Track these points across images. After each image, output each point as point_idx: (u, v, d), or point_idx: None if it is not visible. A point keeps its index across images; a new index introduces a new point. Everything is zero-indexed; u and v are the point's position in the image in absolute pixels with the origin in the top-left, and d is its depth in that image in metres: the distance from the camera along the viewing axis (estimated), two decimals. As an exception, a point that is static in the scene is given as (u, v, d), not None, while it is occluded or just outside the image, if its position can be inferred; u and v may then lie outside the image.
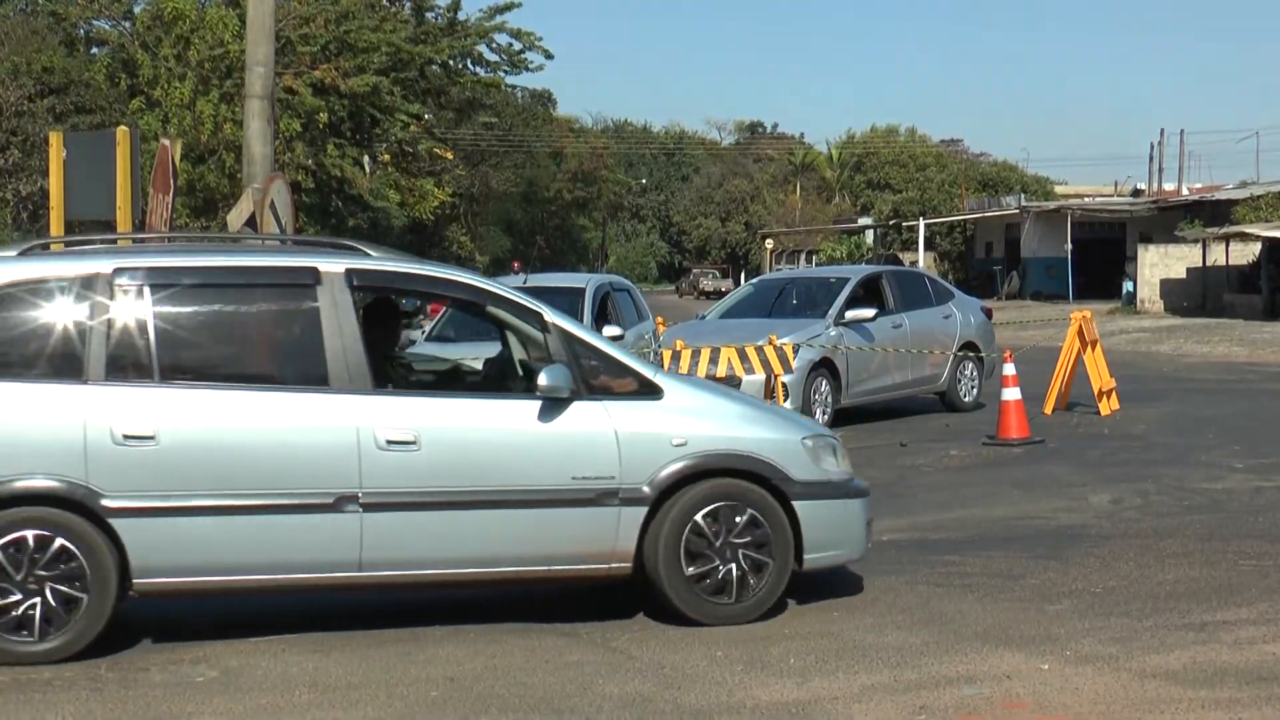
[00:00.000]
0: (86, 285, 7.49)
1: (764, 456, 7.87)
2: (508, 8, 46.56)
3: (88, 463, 7.20)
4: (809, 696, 6.39)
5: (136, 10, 42.50)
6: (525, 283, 18.16)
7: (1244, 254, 43.69)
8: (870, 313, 17.87)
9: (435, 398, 7.90)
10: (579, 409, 7.69)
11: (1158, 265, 45.92)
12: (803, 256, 74.93)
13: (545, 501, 7.62)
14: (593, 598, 8.51)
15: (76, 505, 7.20)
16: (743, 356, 14.51)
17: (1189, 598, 8.09)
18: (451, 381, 8.79)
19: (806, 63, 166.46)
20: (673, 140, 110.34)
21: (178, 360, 7.54)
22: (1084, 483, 12.42)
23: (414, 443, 7.49)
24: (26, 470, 7.16)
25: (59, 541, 7.16)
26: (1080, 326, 18.33)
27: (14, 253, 7.81)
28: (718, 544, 7.74)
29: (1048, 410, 17.79)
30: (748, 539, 7.78)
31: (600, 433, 7.69)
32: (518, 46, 47.60)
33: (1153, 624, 7.52)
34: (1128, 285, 47.17)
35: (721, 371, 14.69)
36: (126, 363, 7.42)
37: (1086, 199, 60.29)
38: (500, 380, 8.64)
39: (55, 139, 14.70)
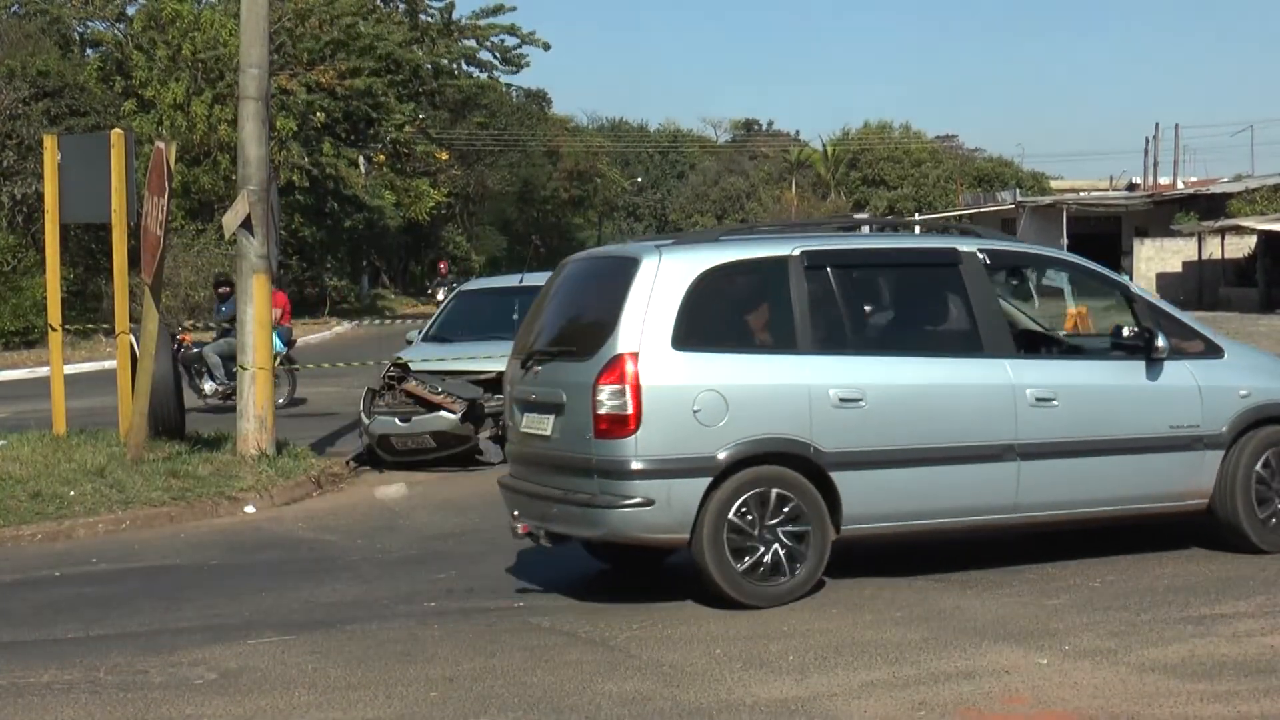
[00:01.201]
0: (779, 266, 8.37)
1: None
2: (499, 9, 46.55)
3: (811, 423, 8.06)
4: (808, 693, 6.38)
5: (130, 11, 42.44)
6: (521, 281, 18.18)
7: (1240, 247, 43.72)
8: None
9: (1064, 360, 9.33)
10: (1170, 367, 8.88)
11: (1154, 259, 45.93)
12: (799, 253, 74.81)
13: (1150, 448, 8.80)
14: (591, 595, 8.52)
15: (802, 461, 8.07)
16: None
17: (1187, 591, 8.09)
18: (1042, 345, 9.66)
19: (800, 60, 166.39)
20: (668, 138, 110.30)
21: (863, 331, 8.67)
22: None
23: (1054, 400, 8.57)
24: (766, 432, 8.04)
25: (787, 494, 8.02)
26: (1076, 321, 18.35)
27: (715, 237, 8.94)
28: (1275, 482, 8.97)
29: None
30: None
31: (1187, 387, 8.89)
32: (512, 43, 47.61)
33: (1151, 617, 7.53)
34: (1124, 279, 47.16)
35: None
36: (826, 334, 8.36)
37: (1082, 193, 60.20)
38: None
39: (50, 142, 14.68)
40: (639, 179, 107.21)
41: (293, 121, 40.13)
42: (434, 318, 17.36)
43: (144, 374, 13.07)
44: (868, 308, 8.80)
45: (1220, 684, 6.32)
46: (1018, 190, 60.39)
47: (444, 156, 58.21)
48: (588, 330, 8.37)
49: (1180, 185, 62.20)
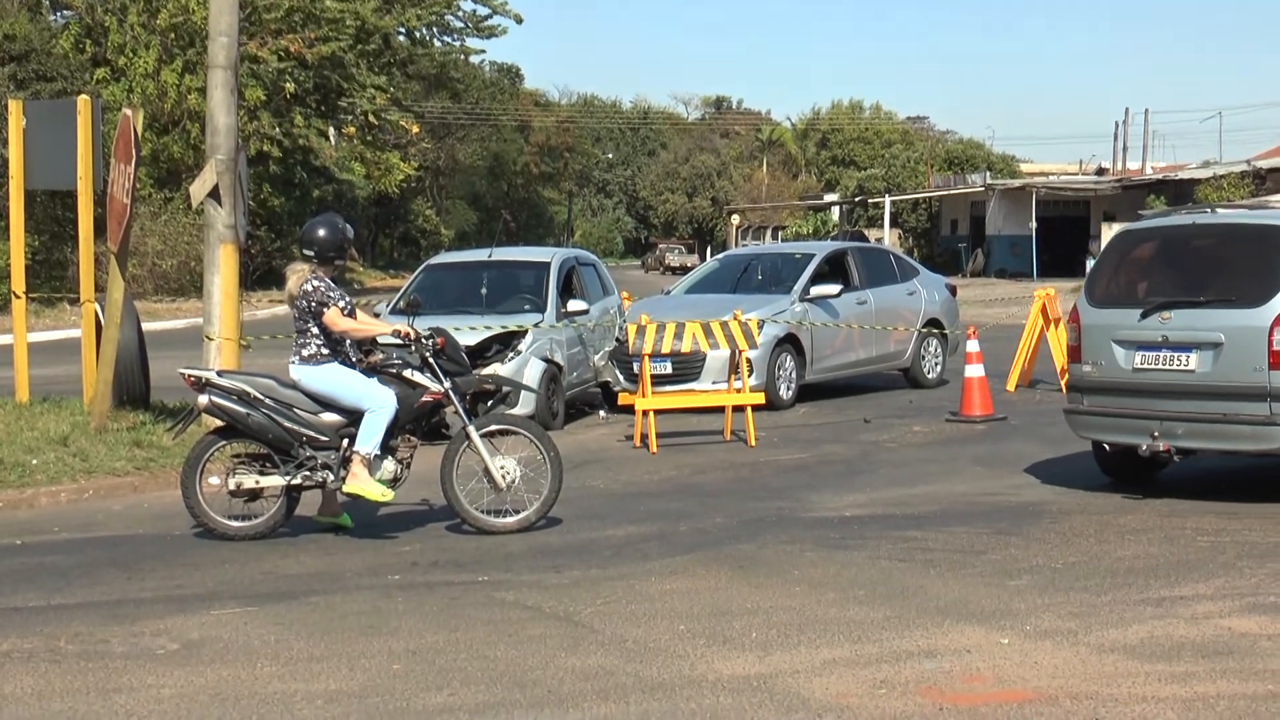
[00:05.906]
0: None
1: None
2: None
3: None
4: (770, 670, 6.41)
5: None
6: (490, 256, 18.14)
7: (1207, 233, 43.87)
8: (835, 289, 17.89)
9: None
10: None
11: (1121, 244, 46.04)
12: (769, 232, 74.92)
13: None
14: (556, 570, 8.53)
15: None
16: (708, 332, 14.47)
17: (1147, 573, 8.16)
18: None
19: (771, 38, 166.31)
20: (639, 115, 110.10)
21: None
22: (1046, 459, 12.50)
23: None
24: None
25: None
26: (1044, 304, 18.44)
27: None
28: None
29: (1010, 387, 17.90)
30: None
31: None
32: (484, 12, 47.40)
33: (1111, 599, 7.58)
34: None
35: (686, 347, 14.67)
36: None
37: (1051, 177, 60.45)
38: None
39: (15, 107, 14.54)
40: (609, 155, 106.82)
41: (261, 90, 39.84)
42: (403, 290, 17.30)
43: (109, 343, 13.00)
44: None
45: (1178, 665, 6.38)
46: (988, 173, 60.53)
47: (415, 129, 57.96)
48: (1243, 284, 10.09)
49: (1149, 170, 62.48)
